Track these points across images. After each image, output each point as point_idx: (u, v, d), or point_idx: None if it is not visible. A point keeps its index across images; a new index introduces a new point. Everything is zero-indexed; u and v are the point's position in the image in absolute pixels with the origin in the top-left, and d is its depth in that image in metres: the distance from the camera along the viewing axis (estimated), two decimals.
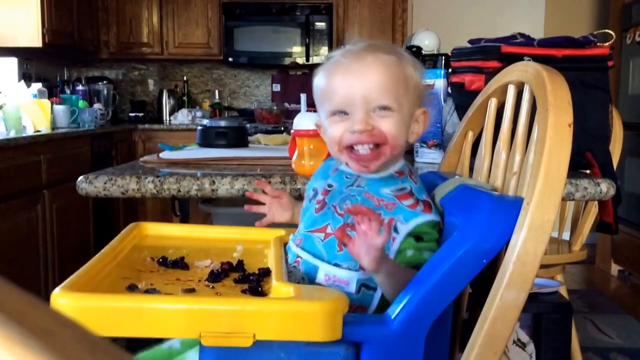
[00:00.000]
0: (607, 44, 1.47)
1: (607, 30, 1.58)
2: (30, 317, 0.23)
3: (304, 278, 0.96)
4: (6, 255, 2.78)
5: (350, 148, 0.95)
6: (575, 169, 1.44)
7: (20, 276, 2.89)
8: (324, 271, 0.94)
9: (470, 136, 1.17)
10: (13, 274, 2.81)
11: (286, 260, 1.00)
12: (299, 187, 1.31)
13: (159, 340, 1.00)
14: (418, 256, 0.91)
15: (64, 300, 0.74)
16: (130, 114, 4.94)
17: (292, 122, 1.41)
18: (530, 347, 1.49)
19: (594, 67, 1.47)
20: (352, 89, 0.93)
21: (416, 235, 0.92)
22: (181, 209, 1.91)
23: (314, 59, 4.81)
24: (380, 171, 0.98)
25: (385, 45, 0.99)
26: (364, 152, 0.94)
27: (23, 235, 2.94)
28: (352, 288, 0.92)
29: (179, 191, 1.31)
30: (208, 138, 1.91)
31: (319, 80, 0.99)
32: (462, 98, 1.49)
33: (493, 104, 1.07)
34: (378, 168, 0.96)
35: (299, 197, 1.32)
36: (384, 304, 0.90)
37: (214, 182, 1.31)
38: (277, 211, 1.15)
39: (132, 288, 0.85)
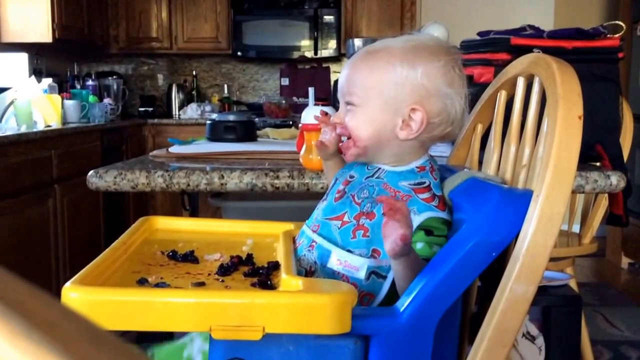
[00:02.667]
0: (617, 35, 1.46)
1: (617, 22, 1.57)
2: (34, 310, 0.23)
3: (317, 262, 0.97)
4: (18, 250, 2.80)
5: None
6: (586, 161, 1.43)
7: (32, 270, 2.91)
8: (337, 255, 0.95)
9: (480, 129, 1.17)
10: (24, 267, 2.83)
11: (295, 252, 1.01)
12: (306, 181, 1.32)
13: (169, 336, 1.01)
14: (427, 250, 0.92)
15: (75, 294, 0.75)
16: (140, 109, 4.95)
17: (300, 116, 1.41)
18: (540, 340, 1.48)
19: (604, 59, 1.46)
20: (339, 83, 1.03)
21: (426, 229, 0.93)
22: (190, 203, 1.91)
23: (323, 53, 4.81)
24: (398, 165, 1.01)
25: (388, 40, 1.01)
26: (344, 142, 1.02)
27: (34, 229, 2.96)
28: (362, 275, 0.93)
29: (188, 185, 1.32)
30: (217, 132, 1.92)
31: None
32: (471, 90, 1.48)
33: (502, 96, 1.07)
34: (355, 158, 1.02)
35: (306, 192, 1.33)
36: (393, 293, 0.91)
37: (223, 176, 1.32)
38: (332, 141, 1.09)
39: (142, 282, 0.86)
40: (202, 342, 0.96)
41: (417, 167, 1.00)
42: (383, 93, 0.97)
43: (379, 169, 1.01)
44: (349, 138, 1.00)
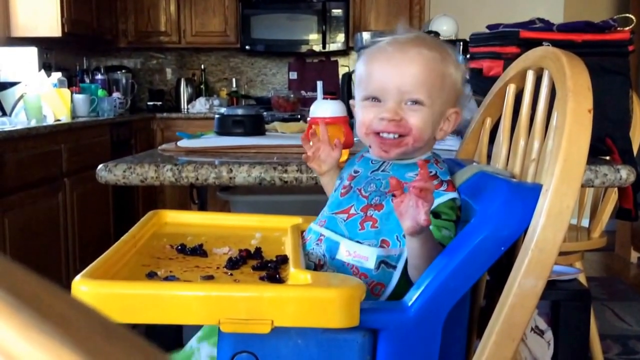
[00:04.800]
0: (627, 28, 1.45)
1: (627, 15, 1.55)
2: (46, 303, 0.23)
3: (325, 255, 0.97)
4: (28, 243, 2.82)
5: (377, 133, 0.99)
6: (595, 155, 1.43)
7: (42, 264, 2.93)
8: (345, 247, 0.96)
9: (489, 123, 1.16)
10: (34, 261, 2.85)
11: (304, 246, 1.02)
12: (315, 175, 1.32)
13: (178, 343, 1.01)
14: (436, 233, 0.93)
15: (85, 287, 0.75)
16: (149, 103, 4.97)
17: (309, 110, 1.41)
18: (549, 335, 1.48)
19: (614, 52, 1.45)
20: (388, 78, 0.97)
21: (434, 213, 0.94)
22: (199, 197, 1.92)
23: (331, 46, 4.80)
24: (404, 159, 1.01)
25: (432, 41, 1.01)
26: (389, 138, 0.98)
27: (44, 223, 2.98)
28: (372, 264, 0.93)
29: (197, 179, 1.32)
30: (225, 126, 1.92)
31: (360, 63, 1.03)
32: (480, 84, 1.48)
33: (511, 90, 1.06)
34: (397, 155, 0.99)
35: (314, 186, 1.33)
36: (403, 284, 0.92)
37: (231, 170, 1.32)
38: (324, 155, 1.12)
39: (151, 275, 0.86)
40: (210, 347, 0.96)
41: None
42: (444, 95, 0.98)
43: (384, 162, 1.02)
44: (400, 136, 0.98)
